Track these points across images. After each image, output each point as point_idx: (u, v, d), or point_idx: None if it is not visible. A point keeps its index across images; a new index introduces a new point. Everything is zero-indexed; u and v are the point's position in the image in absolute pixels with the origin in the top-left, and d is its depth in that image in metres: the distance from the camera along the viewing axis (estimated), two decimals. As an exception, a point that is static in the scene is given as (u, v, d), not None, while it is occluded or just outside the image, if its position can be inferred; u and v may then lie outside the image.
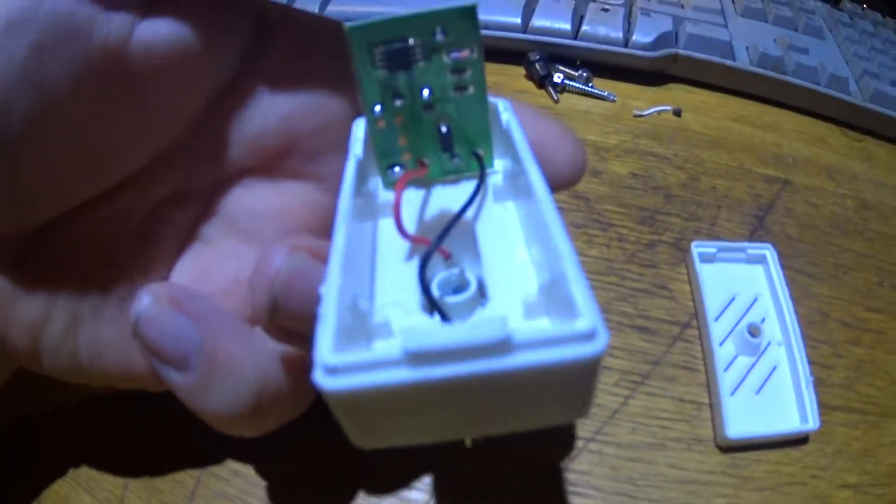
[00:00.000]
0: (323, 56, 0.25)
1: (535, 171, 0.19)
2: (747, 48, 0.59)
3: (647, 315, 0.40)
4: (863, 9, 0.73)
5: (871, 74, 0.58)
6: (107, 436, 0.33)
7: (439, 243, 0.19)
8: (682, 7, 0.64)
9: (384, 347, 0.17)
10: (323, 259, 0.18)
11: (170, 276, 0.26)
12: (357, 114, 0.22)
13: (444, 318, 0.18)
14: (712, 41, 0.58)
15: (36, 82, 0.19)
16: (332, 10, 0.60)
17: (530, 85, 0.58)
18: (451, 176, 0.23)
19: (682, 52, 0.58)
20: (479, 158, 0.22)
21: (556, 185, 0.23)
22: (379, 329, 0.17)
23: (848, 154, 0.55)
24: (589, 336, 0.13)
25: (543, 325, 0.17)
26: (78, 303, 0.23)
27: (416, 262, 0.20)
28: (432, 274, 0.20)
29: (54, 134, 0.20)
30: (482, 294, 0.19)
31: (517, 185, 0.21)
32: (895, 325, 0.42)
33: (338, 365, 0.13)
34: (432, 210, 0.22)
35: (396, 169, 0.23)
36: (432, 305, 0.18)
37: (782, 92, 0.58)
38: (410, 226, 0.21)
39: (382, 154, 0.22)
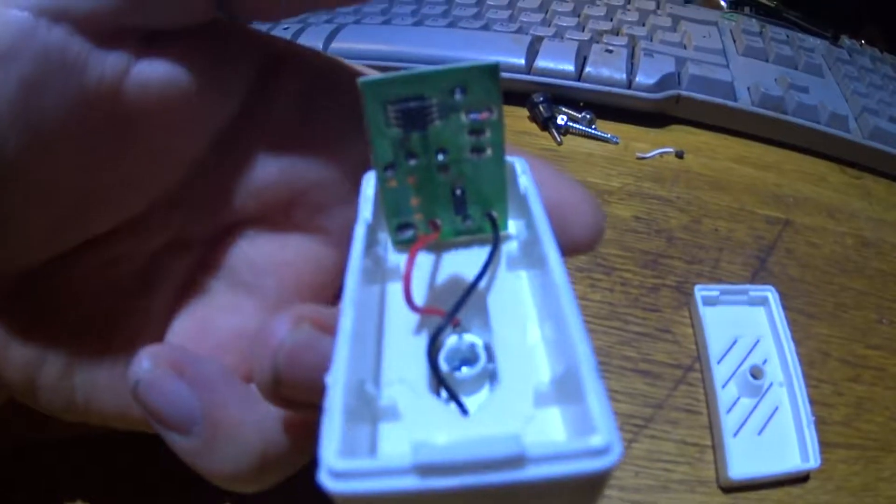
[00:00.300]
0: (331, 101, 0.24)
1: (550, 244, 0.18)
2: (749, 88, 0.61)
3: (650, 359, 0.41)
4: (861, 45, 0.74)
5: (870, 111, 0.60)
6: (108, 468, 0.33)
7: (450, 319, 0.18)
8: (685, 47, 0.65)
9: (393, 453, 0.16)
10: (328, 330, 0.18)
11: (169, 327, 0.25)
12: (367, 166, 0.21)
13: (453, 397, 0.17)
14: (714, 82, 0.60)
15: (27, 118, 0.18)
16: (335, 46, 0.61)
17: (533, 126, 0.59)
18: (464, 237, 0.22)
19: (684, 93, 0.59)
20: (493, 221, 0.21)
21: (574, 250, 0.23)
22: (385, 412, 0.16)
23: (847, 192, 0.56)
24: (603, 451, 0.13)
25: (555, 424, 0.16)
26: (73, 348, 0.23)
27: (424, 336, 0.19)
28: (440, 341, 0.19)
29: (46, 172, 0.20)
30: (490, 359, 0.18)
31: (532, 254, 0.20)
32: (895, 361, 0.43)
33: (344, 470, 0.13)
34: (443, 275, 0.21)
35: (407, 229, 0.21)
36: (440, 383, 0.17)
37: (783, 132, 0.60)
38: (420, 291, 0.20)
39: (393, 214, 0.21)
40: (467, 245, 0.22)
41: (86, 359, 0.23)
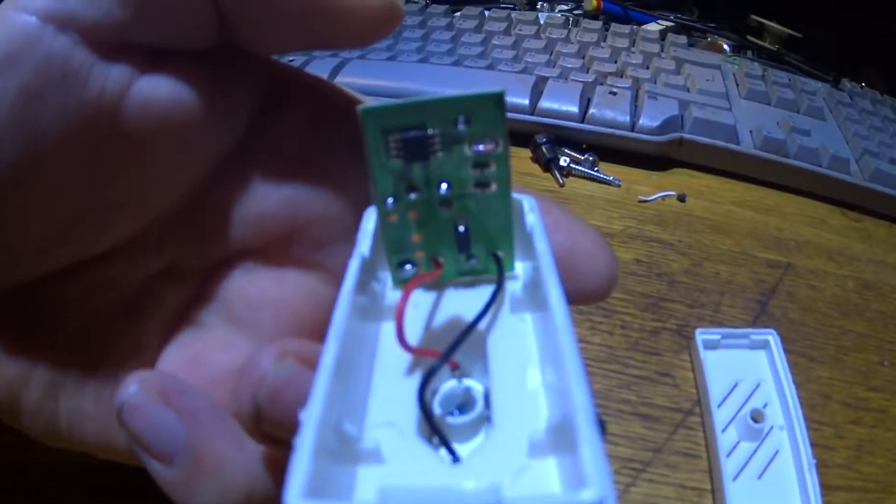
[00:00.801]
0: (336, 132, 0.24)
1: (554, 284, 0.17)
2: (751, 131, 0.62)
3: (650, 402, 0.41)
4: (862, 87, 0.75)
5: (871, 153, 0.60)
6: (92, 493, 0.33)
7: (445, 361, 0.17)
8: (688, 90, 0.66)
9: (365, 498, 0.15)
10: (314, 367, 0.17)
11: (159, 358, 0.24)
12: (369, 202, 0.20)
13: (444, 442, 0.16)
14: (717, 125, 0.60)
15: (24, 128, 0.18)
16: (340, 80, 0.62)
17: (536, 167, 0.60)
18: (467, 277, 0.21)
19: (687, 136, 0.60)
20: (498, 261, 0.20)
21: (583, 299, 0.22)
22: (367, 455, 0.16)
23: (848, 234, 0.57)
24: None
25: (550, 475, 0.15)
26: (59, 370, 0.22)
27: (417, 378, 0.18)
28: (437, 385, 0.18)
29: (41, 186, 0.19)
30: (488, 406, 0.17)
31: (536, 297, 0.19)
32: (896, 403, 0.43)
33: None
34: (442, 316, 0.20)
35: (408, 266, 0.21)
36: (432, 429, 0.16)
37: (785, 175, 0.60)
38: (416, 332, 0.19)
39: (393, 250, 0.20)
40: (471, 285, 0.21)
41: (71, 382, 0.23)
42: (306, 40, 0.22)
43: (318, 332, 0.26)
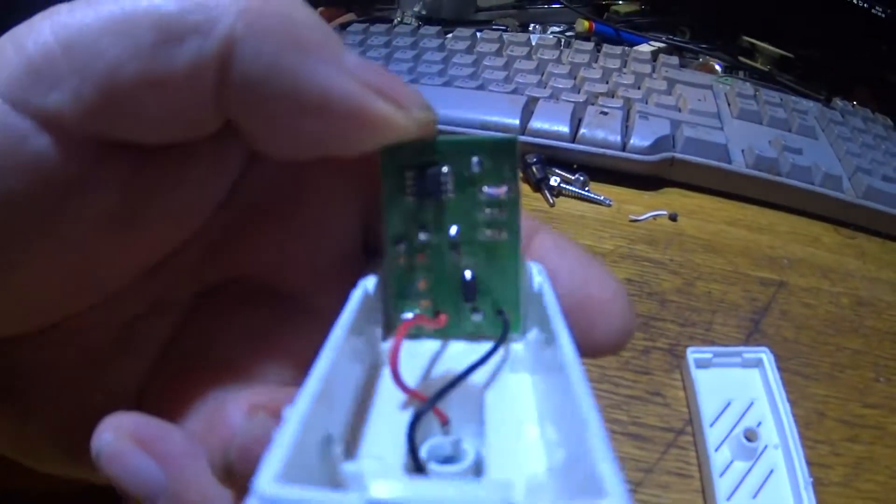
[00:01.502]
0: (321, 174, 0.23)
1: (568, 348, 0.16)
2: (743, 151, 0.62)
3: (641, 422, 0.41)
4: (853, 105, 0.76)
5: (863, 171, 0.60)
6: None
7: (435, 402, 0.17)
8: (680, 110, 0.66)
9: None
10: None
11: (145, 390, 0.24)
12: (359, 253, 0.20)
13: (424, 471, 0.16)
14: (709, 144, 0.60)
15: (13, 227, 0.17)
16: None
17: (526, 188, 0.59)
18: (473, 335, 0.20)
19: (679, 155, 0.60)
20: (503, 318, 0.20)
21: (595, 353, 0.21)
22: (351, 479, 0.15)
23: (842, 252, 0.56)
24: None
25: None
26: (48, 416, 0.22)
27: (406, 419, 0.17)
28: (425, 437, 0.18)
29: (40, 264, 0.19)
30: (478, 472, 0.17)
31: (540, 358, 0.19)
32: (893, 420, 0.42)
33: (277, 498, 0.11)
34: (443, 367, 0.20)
35: (410, 315, 0.20)
36: (417, 468, 0.16)
37: (777, 193, 0.60)
38: (414, 378, 0.19)
39: (398, 295, 0.20)
40: (475, 340, 0.21)
41: (60, 427, 0.22)
42: (323, 150, 0.20)
43: (300, 375, 0.25)
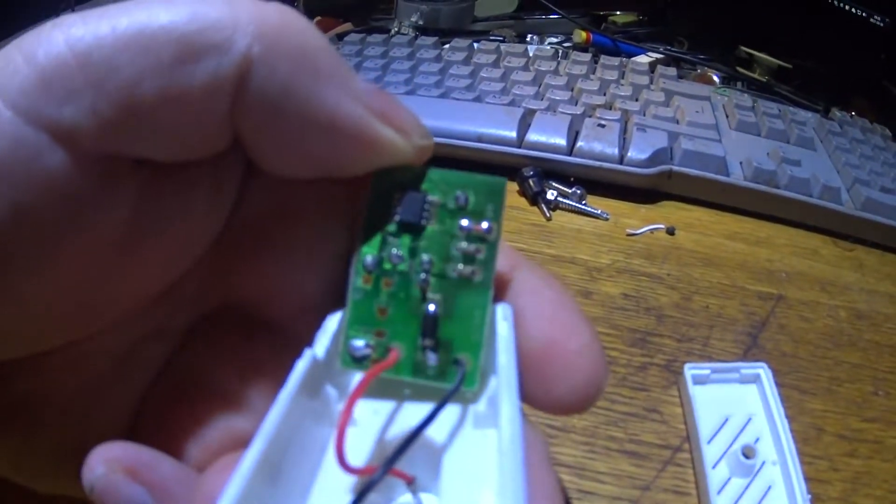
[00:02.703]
0: (310, 201, 0.23)
1: (509, 402, 0.16)
2: (741, 163, 0.61)
3: (637, 439, 0.40)
4: (851, 116, 0.75)
5: (861, 182, 0.60)
6: None
7: (381, 478, 0.16)
8: (678, 122, 0.66)
9: None
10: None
11: (140, 415, 0.24)
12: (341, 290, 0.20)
13: None
14: (707, 157, 0.60)
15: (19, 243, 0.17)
16: None
17: (523, 201, 0.59)
18: (424, 381, 0.19)
19: (676, 168, 0.60)
20: (459, 369, 0.19)
21: (553, 410, 0.19)
22: None
23: (840, 265, 0.56)
24: None
25: None
26: (45, 443, 0.22)
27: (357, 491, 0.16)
28: (389, 498, 0.18)
29: (47, 287, 0.19)
30: None
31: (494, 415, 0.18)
32: (892, 434, 0.42)
33: None
34: (399, 428, 0.19)
35: (360, 343, 0.19)
36: None
37: (776, 206, 0.60)
38: (368, 443, 0.18)
39: (354, 319, 0.19)
40: (435, 397, 0.19)
41: (59, 450, 0.22)
42: (327, 170, 0.20)
43: None
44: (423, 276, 0.19)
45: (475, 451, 0.18)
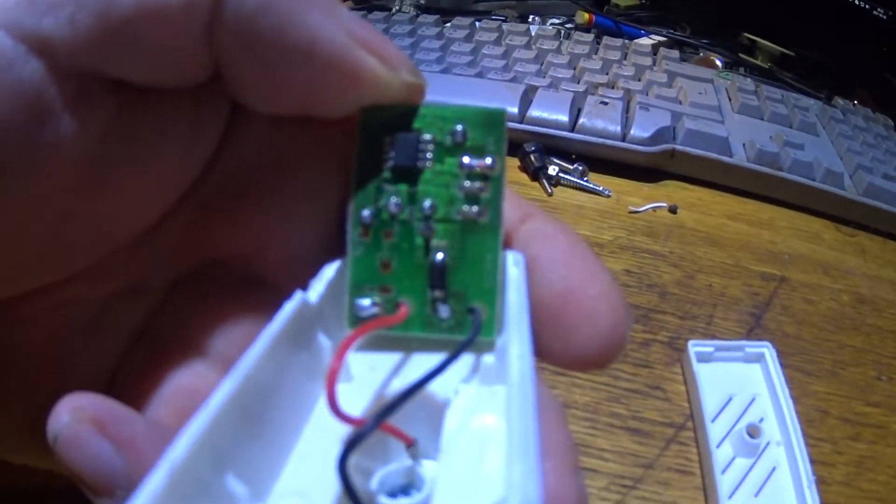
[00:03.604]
0: (299, 149, 0.22)
1: (518, 362, 0.15)
2: (744, 145, 0.61)
3: (640, 416, 0.40)
4: (854, 105, 0.75)
5: (864, 168, 0.60)
6: None
7: (371, 429, 0.14)
8: (680, 103, 0.65)
9: None
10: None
11: (116, 375, 0.23)
12: (335, 244, 0.19)
13: None
14: (710, 137, 0.59)
15: None
16: None
17: (524, 177, 0.58)
18: (437, 335, 0.18)
19: (679, 147, 0.59)
20: (474, 318, 0.17)
21: (571, 364, 0.18)
22: None
23: (843, 249, 0.56)
24: None
25: None
26: (16, 393, 0.21)
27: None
28: (386, 462, 0.16)
29: (6, 220, 0.18)
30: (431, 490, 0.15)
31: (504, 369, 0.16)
32: (895, 419, 0.42)
33: None
34: (403, 380, 0.17)
35: (366, 302, 0.18)
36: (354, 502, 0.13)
37: (778, 188, 0.59)
38: (366, 399, 0.17)
39: (356, 277, 0.18)
40: (445, 348, 0.17)
41: (32, 417, 0.21)
42: (308, 104, 0.19)
43: None
44: (425, 223, 0.17)
45: (479, 410, 0.16)
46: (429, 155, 0.17)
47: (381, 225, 0.18)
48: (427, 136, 0.17)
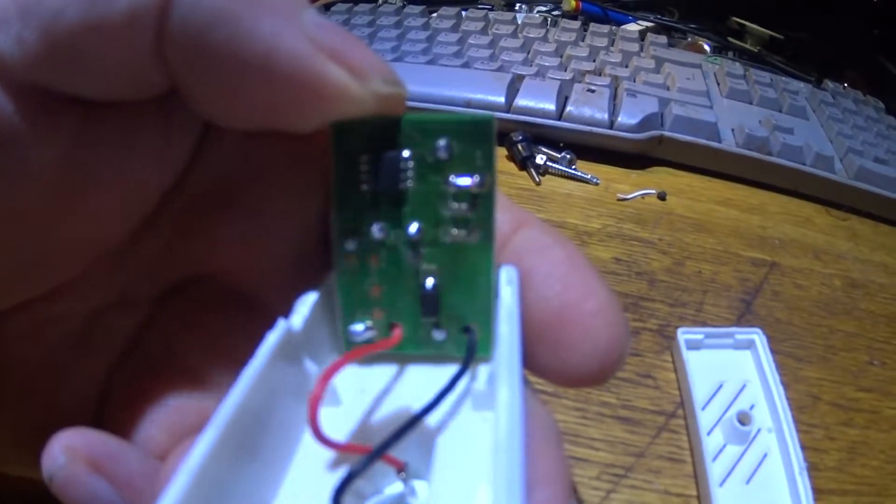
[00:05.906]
0: (278, 158, 0.21)
1: (509, 379, 0.14)
2: (733, 130, 0.60)
3: (631, 405, 0.39)
4: (844, 87, 0.74)
5: (855, 152, 0.59)
6: None
7: (370, 462, 0.14)
8: (668, 89, 0.65)
9: None
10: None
11: (108, 393, 0.22)
12: (324, 246, 0.18)
13: None
14: (698, 122, 0.59)
15: None
16: None
17: (511, 166, 0.58)
18: (431, 353, 0.18)
19: (667, 133, 0.59)
20: (470, 336, 0.17)
21: (569, 381, 0.18)
22: None
23: (834, 233, 0.55)
24: None
25: None
26: (6, 410, 0.21)
27: (339, 475, 0.14)
28: (378, 487, 0.16)
29: None
30: None
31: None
32: (888, 404, 0.41)
33: None
34: (393, 403, 0.17)
35: (359, 327, 0.17)
36: None
37: (768, 173, 0.59)
38: (354, 419, 0.16)
39: (347, 304, 0.17)
40: (438, 363, 0.18)
41: (24, 429, 0.21)
42: (271, 120, 0.18)
43: None
44: (412, 252, 0.17)
45: (470, 437, 0.16)
46: (411, 174, 0.16)
47: (368, 249, 0.17)
48: (408, 154, 0.16)
